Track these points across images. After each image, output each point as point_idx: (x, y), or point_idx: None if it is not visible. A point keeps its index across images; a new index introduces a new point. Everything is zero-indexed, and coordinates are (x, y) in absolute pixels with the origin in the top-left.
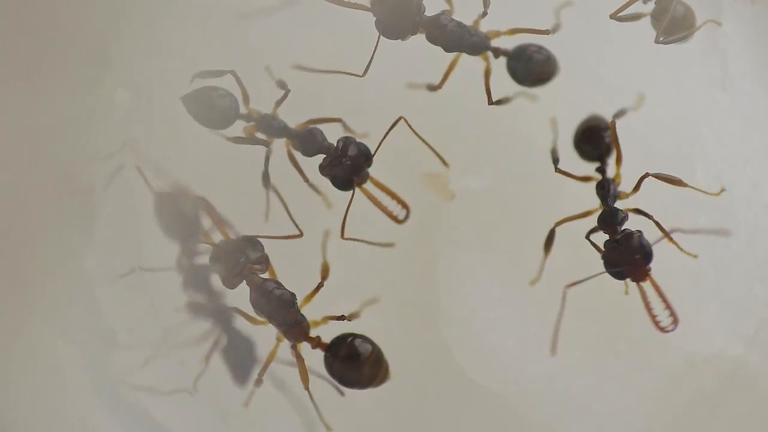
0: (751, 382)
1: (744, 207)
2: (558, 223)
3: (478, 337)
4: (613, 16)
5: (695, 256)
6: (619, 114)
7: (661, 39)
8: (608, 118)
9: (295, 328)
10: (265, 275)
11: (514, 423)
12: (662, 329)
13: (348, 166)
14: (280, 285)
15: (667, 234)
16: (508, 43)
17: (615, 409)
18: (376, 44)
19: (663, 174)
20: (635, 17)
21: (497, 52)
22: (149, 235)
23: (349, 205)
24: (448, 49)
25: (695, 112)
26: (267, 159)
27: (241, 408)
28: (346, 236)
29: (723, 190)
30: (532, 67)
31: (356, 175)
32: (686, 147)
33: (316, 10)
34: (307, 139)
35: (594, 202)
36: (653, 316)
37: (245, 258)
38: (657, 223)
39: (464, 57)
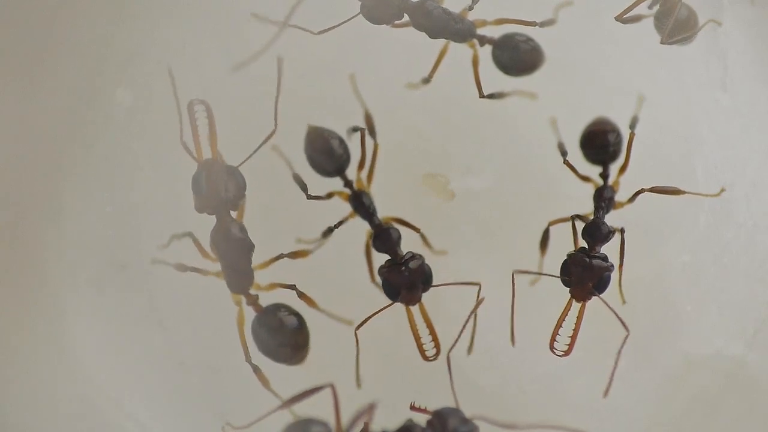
0: (751, 382)
1: (744, 207)
2: (552, 223)
3: (478, 337)
4: (619, 18)
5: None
6: (634, 123)
7: (667, 40)
8: (613, 120)
9: (240, 277)
10: (234, 215)
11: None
12: (552, 348)
13: (404, 277)
14: (243, 230)
15: (620, 270)
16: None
17: (615, 409)
18: (350, 18)
19: (658, 186)
20: (637, 18)
21: (483, 40)
22: (147, 230)
23: (381, 309)
24: (432, 36)
25: (695, 112)
26: (340, 223)
27: (238, 408)
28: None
29: (723, 190)
30: (517, 56)
31: (407, 290)
32: (686, 147)
33: (314, 10)
34: (383, 235)
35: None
36: (554, 336)
37: (227, 194)
38: (620, 261)
39: (462, 57)
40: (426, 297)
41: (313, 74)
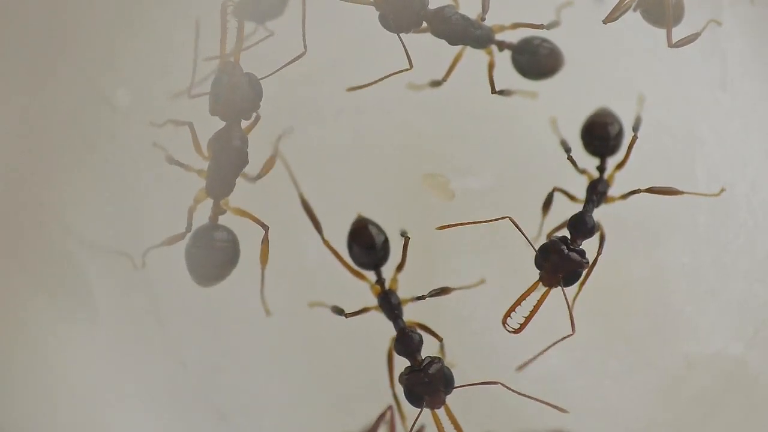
0: (751, 382)
1: (744, 207)
2: (556, 189)
3: (478, 337)
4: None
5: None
6: (637, 125)
7: (674, 43)
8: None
9: (221, 185)
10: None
11: (514, 422)
12: (505, 323)
13: (425, 383)
14: (245, 142)
15: (598, 255)
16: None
17: (615, 409)
18: (401, 40)
19: (656, 187)
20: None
21: (502, 45)
22: (147, 230)
23: (413, 426)
24: (452, 42)
25: (695, 112)
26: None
27: (238, 408)
28: None
29: (723, 190)
30: (537, 60)
31: (430, 395)
32: (686, 147)
33: (317, 11)
34: (405, 339)
35: None
36: (509, 312)
37: (242, 103)
38: (593, 262)
39: (465, 57)
40: (429, 302)
41: (314, 75)
